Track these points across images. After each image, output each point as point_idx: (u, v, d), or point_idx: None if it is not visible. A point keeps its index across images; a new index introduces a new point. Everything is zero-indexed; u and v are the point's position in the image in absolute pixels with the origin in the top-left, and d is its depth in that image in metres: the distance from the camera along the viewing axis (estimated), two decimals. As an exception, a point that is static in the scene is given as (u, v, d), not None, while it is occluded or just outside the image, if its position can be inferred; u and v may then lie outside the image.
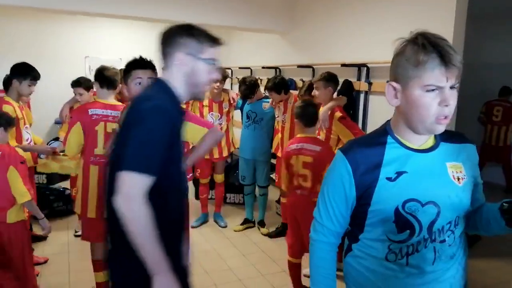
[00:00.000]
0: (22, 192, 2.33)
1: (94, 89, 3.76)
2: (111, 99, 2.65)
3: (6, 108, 2.94)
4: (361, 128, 4.30)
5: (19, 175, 2.35)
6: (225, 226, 4.29)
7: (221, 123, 4.07)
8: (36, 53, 6.13)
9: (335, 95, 3.42)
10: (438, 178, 1.18)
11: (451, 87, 1.10)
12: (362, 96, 4.33)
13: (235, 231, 4.21)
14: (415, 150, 1.19)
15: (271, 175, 4.45)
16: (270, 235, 4.10)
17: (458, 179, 1.20)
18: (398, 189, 1.16)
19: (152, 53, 6.71)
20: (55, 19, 6.16)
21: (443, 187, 1.17)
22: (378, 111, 4.15)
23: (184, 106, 3.96)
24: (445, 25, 3.40)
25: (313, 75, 5.04)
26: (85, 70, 6.51)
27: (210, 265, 3.46)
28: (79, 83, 3.62)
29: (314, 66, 5.03)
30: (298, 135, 2.88)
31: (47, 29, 6.23)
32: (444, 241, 1.18)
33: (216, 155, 4.14)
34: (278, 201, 4.67)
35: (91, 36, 6.59)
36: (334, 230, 1.28)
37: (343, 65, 4.29)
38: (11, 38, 6.05)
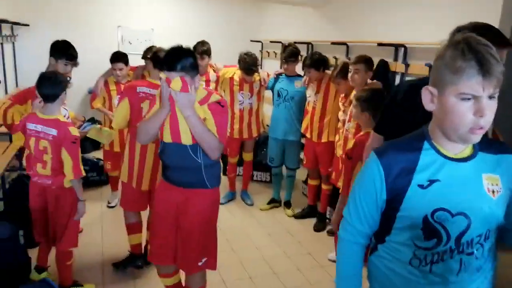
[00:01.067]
0: (69, 172, 2.49)
1: (131, 65, 3.80)
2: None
3: None
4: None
5: (70, 156, 2.47)
6: (252, 204, 4.34)
7: (251, 103, 4.03)
8: (68, 21, 6.16)
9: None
10: (471, 189, 1.15)
11: (490, 97, 1.05)
12: (398, 77, 4.17)
13: (261, 210, 4.27)
14: (451, 159, 1.16)
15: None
16: (296, 216, 4.13)
17: (493, 192, 1.16)
18: (429, 197, 1.14)
19: (182, 23, 6.81)
20: (88, -13, 6.16)
21: (476, 199, 1.14)
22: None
23: (214, 84, 3.96)
24: (494, 4, 3.18)
25: (347, 53, 4.88)
26: (117, 40, 6.54)
27: (237, 243, 3.53)
28: (118, 59, 3.64)
29: (349, 44, 4.86)
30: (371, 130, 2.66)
31: None
32: (472, 253, 1.16)
33: (245, 135, 4.13)
34: (305, 182, 4.67)
35: (123, 5, 6.56)
36: (363, 231, 1.28)
37: (380, 44, 4.11)
38: (46, 8, 6.09)
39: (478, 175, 1.16)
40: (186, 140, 2.03)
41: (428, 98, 1.16)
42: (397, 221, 1.20)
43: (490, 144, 1.21)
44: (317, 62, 3.72)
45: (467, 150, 1.18)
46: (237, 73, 4.01)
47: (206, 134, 1.97)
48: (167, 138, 2.07)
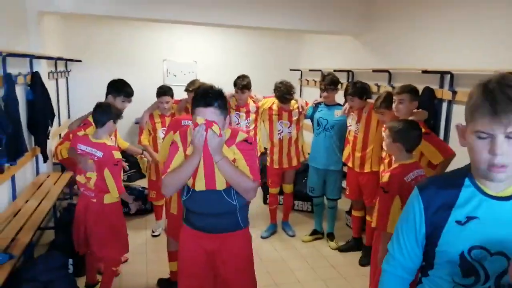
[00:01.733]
0: (113, 189, 2.84)
1: (175, 98, 3.94)
2: None
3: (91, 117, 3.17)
4: (443, 140, 4.02)
5: (112, 176, 2.82)
6: (294, 235, 4.26)
7: (291, 132, 4.02)
8: (117, 56, 6.54)
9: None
10: (510, 228, 1.12)
11: (507, 136, 1.03)
12: (444, 105, 4.04)
13: (303, 241, 4.17)
14: (491, 197, 1.14)
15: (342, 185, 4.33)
16: (340, 249, 4.00)
17: None
18: (466, 234, 1.13)
19: (223, 55, 6.95)
20: (134, 25, 6.51)
21: None
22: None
23: (253, 116, 3.99)
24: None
25: (390, 80, 4.80)
26: (163, 73, 6.82)
27: (279, 277, 3.46)
28: (166, 92, 3.80)
29: (391, 71, 4.79)
30: (405, 162, 2.51)
31: (127, 34, 6.61)
32: None
33: (285, 165, 4.09)
34: (348, 212, 4.54)
35: (167, 40, 6.87)
36: (405, 265, 1.29)
37: (424, 71, 4.02)
38: (96, 43, 6.50)
39: None
40: (220, 185, 1.95)
41: (460, 135, 1.19)
42: (436, 256, 1.20)
43: None
44: (360, 90, 3.67)
45: (510, 189, 1.14)
46: (275, 103, 4.03)
47: (240, 177, 1.90)
48: (200, 186, 1.97)
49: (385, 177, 2.54)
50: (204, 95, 1.89)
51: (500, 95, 1.02)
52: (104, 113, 2.88)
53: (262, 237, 4.16)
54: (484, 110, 1.04)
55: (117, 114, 2.96)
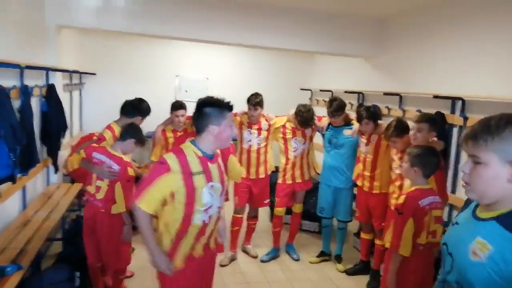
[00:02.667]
0: (120, 202, 2.91)
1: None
2: None
3: (106, 133, 3.22)
4: (454, 165, 4.01)
5: (122, 190, 2.89)
6: (298, 259, 4.19)
7: (305, 148, 4.03)
8: (131, 71, 6.65)
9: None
10: (464, 243, 1.25)
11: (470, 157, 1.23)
12: (455, 130, 4.03)
13: (310, 263, 4.13)
14: (473, 213, 1.31)
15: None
16: (348, 272, 3.95)
17: (475, 254, 1.19)
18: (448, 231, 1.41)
19: (234, 73, 7.03)
20: (148, 41, 6.63)
21: (463, 255, 1.25)
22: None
23: (265, 134, 3.99)
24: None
25: (400, 104, 4.81)
26: (174, 88, 6.91)
27: (285, 298, 3.41)
28: (181, 106, 3.86)
29: (402, 94, 4.80)
30: (422, 187, 2.52)
31: (141, 49, 6.73)
32: None
33: (298, 179, 4.06)
34: (356, 235, 4.50)
35: (180, 56, 6.98)
36: None
37: (436, 96, 4.03)
38: (110, 57, 6.63)
39: (474, 236, 1.22)
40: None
41: None
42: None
43: None
44: (375, 115, 3.71)
45: (487, 214, 1.23)
46: (288, 122, 4.05)
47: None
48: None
49: (401, 199, 2.55)
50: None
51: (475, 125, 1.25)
52: (133, 130, 3.02)
53: (262, 261, 4.09)
54: None
55: (141, 139, 3.08)
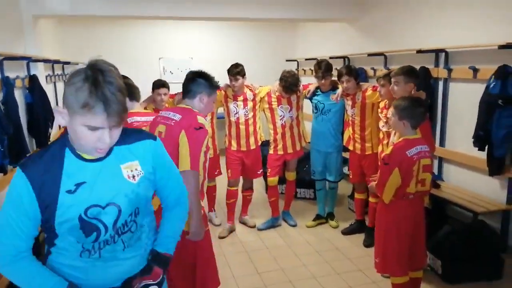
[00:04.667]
0: None
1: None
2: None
3: None
4: (441, 118, 4.04)
5: None
6: (295, 225, 4.24)
7: (292, 115, 4.02)
8: (114, 56, 6.51)
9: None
10: (113, 181, 1.30)
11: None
12: (440, 83, 4.05)
13: (307, 227, 4.19)
14: (89, 161, 1.28)
15: (343, 170, 4.34)
16: (344, 232, 4.02)
17: (134, 177, 1.34)
18: (78, 199, 1.24)
19: (219, 50, 7.01)
20: (129, 25, 6.55)
21: (119, 188, 1.31)
22: (460, 99, 3.85)
23: (251, 104, 3.98)
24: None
25: (385, 64, 4.81)
26: (159, 71, 6.86)
27: (285, 262, 3.49)
28: (164, 84, 3.84)
29: (387, 54, 4.80)
30: (409, 137, 2.54)
31: (122, 34, 6.64)
32: (128, 231, 1.35)
33: (290, 149, 4.08)
34: (350, 197, 4.56)
35: (163, 38, 6.91)
36: (21, 245, 1.30)
37: (419, 51, 4.03)
38: (91, 45, 6.54)
39: (117, 167, 1.32)
40: None
41: None
42: (57, 227, 1.25)
43: (127, 135, 1.36)
44: (355, 71, 3.74)
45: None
46: (272, 90, 4.03)
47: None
48: None
49: (388, 149, 2.58)
50: None
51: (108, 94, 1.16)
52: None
53: (259, 229, 4.14)
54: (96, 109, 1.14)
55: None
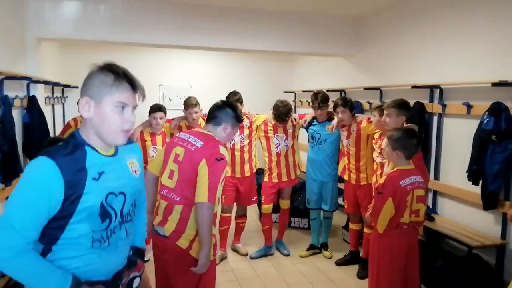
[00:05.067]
0: None
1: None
2: None
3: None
4: (435, 152, 4.08)
5: None
6: (288, 255, 4.19)
7: (287, 144, 4.06)
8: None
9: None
10: (123, 173, 1.47)
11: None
12: (435, 118, 4.12)
13: (300, 256, 4.14)
14: (105, 156, 1.41)
15: (338, 200, 4.33)
16: (338, 263, 3.97)
17: (135, 171, 1.54)
18: (101, 186, 1.35)
19: (218, 79, 7.13)
20: (130, 50, 6.67)
21: (127, 180, 1.47)
22: (454, 134, 3.91)
23: (247, 132, 4.03)
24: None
25: (381, 98, 4.90)
26: (159, 97, 6.93)
27: (276, 292, 3.41)
28: (160, 108, 3.86)
29: (382, 88, 4.90)
30: (403, 167, 2.57)
31: (123, 59, 6.50)
32: (130, 220, 1.50)
33: (284, 178, 4.09)
34: (345, 227, 4.53)
35: (163, 65, 7.02)
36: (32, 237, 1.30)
37: (414, 86, 4.12)
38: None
39: (125, 162, 1.50)
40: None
41: None
42: (74, 217, 1.29)
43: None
44: (350, 102, 3.80)
45: (111, 150, 1.45)
46: (268, 118, 4.09)
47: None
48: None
49: (382, 179, 2.60)
50: None
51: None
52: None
53: (251, 258, 4.08)
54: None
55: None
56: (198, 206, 2.07)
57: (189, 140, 2.23)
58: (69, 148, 1.33)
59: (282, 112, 3.87)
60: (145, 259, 4.03)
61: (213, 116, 2.32)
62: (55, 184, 1.24)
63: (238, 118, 2.36)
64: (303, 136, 4.42)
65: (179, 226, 2.14)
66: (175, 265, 2.15)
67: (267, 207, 4.12)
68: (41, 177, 1.24)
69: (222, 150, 2.17)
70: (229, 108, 2.33)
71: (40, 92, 4.70)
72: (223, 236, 4.07)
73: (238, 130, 3.96)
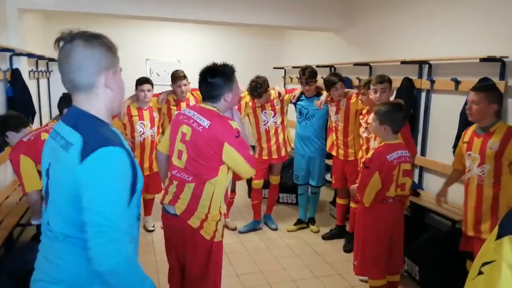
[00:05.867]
0: None
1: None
2: None
3: None
4: (422, 128, 4.11)
5: None
6: (276, 229, 4.24)
7: (276, 121, 4.04)
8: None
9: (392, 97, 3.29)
10: None
11: None
12: (423, 94, 4.13)
13: (288, 231, 4.19)
14: None
15: (326, 176, 4.37)
16: (324, 237, 4.03)
17: None
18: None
19: (207, 54, 7.03)
20: (116, 24, 6.50)
21: None
22: (441, 110, 3.93)
23: (236, 108, 4.00)
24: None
25: (370, 73, 4.89)
26: (146, 72, 6.81)
27: (264, 265, 3.47)
28: (147, 80, 3.78)
29: (372, 64, 4.88)
30: (390, 142, 2.59)
31: (109, 33, 6.39)
32: None
33: (274, 155, 4.09)
34: (332, 203, 4.59)
35: (151, 40, 6.88)
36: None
37: (403, 62, 4.11)
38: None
39: None
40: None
41: None
42: (131, 201, 1.26)
43: None
44: (342, 77, 3.79)
45: None
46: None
47: None
48: None
49: (369, 154, 2.62)
50: None
51: None
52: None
53: (240, 232, 4.12)
54: None
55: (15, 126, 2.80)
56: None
57: (193, 117, 2.10)
58: (110, 130, 1.24)
59: (251, 87, 3.85)
60: (151, 228, 4.04)
61: (206, 96, 2.14)
62: (130, 173, 1.21)
63: (229, 78, 2.12)
64: (292, 113, 4.40)
65: (190, 204, 2.07)
66: (185, 245, 2.12)
67: (259, 183, 4.14)
68: (123, 166, 1.18)
69: (233, 125, 2.08)
70: (214, 78, 2.09)
71: (24, 66, 4.59)
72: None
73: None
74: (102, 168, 1.13)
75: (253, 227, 4.21)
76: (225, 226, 4.18)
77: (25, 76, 4.46)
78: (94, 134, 1.17)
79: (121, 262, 1.12)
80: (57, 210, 1.22)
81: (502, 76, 3.23)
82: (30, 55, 4.67)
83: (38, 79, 5.46)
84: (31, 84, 4.78)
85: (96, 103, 1.24)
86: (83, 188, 1.12)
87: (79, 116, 1.22)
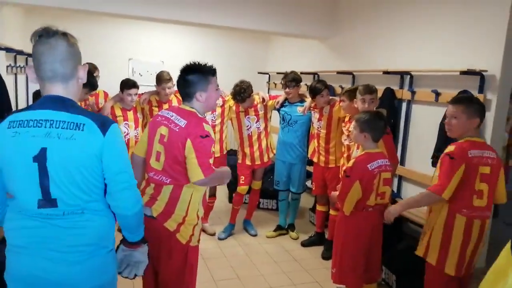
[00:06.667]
0: None
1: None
2: None
3: None
4: (402, 138, 4.16)
5: None
6: (256, 235, 4.21)
7: (259, 126, 4.03)
8: (86, 53, 6.32)
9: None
10: None
11: None
12: (404, 105, 4.19)
13: (267, 237, 4.17)
14: None
15: (306, 183, 4.38)
16: (303, 244, 4.03)
17: None
18: None
19: (191, 56, 6.91)
20: (99, 22, 6.40)
21: None
22: (421, 121, 3.99)
23: (219, 111, 3.97)
24: (497, 31, 3.23)
25: (353, 82, 4.94)
26: (128, 72, 6.72)
27: (242, 271, 3.44)
28: (135, 85, 3.72)
29: (355, 73, 4.93)
30: (371, 151, 2.61)
31: (92, 31, 6.44)
32: None
33: (257, 161, 4.07)
34: (312, 210, 4.59)
35: (134, 39, 6.79)
36: None
37: (386, 72, 4.16)
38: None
39: None
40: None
41: None
42: None
43: None
44: (328, 85, 3.82)
45: None
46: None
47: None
48: None
49: (350, 162, 2.63)
50: None
51: None
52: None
53: (220, 239, 4.07)
54: None
55: None
56: (197, 185, 1.99)
57: (171, 118, 2.06)
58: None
59: (234, 93, 3.84)
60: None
61: (182, 94, 2.13)
62: None
63: (203, 76, 2.07)
64: (275, 119, 4.40)
65: (168, 206, 2.03)
66: (160, 248, 2.05)
67: (245, 188, 4.14)
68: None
69: (206, 127, 2.01)
70: (188, 75, 2.06)
71: (1, 60, 4.45)
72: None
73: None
74: (119, 139, 1.51)
75: (231, 231, 4.19)
76: (204, 231, 4.19)
77: (2, 71, 4.33)
78: (95, 115, 1.48)
79: (141, 206, 1.63)
80: (71, 185, 1.41)
81: (481, 90, 3.31)
82: (8, 50, 4.53)
83: (16, 74, 5.31)
84: (8, 80, 4.64)
85: (72, 91, 1.49)
86: (107, 155, 1.46)
87: (71, 102, 1.47)
